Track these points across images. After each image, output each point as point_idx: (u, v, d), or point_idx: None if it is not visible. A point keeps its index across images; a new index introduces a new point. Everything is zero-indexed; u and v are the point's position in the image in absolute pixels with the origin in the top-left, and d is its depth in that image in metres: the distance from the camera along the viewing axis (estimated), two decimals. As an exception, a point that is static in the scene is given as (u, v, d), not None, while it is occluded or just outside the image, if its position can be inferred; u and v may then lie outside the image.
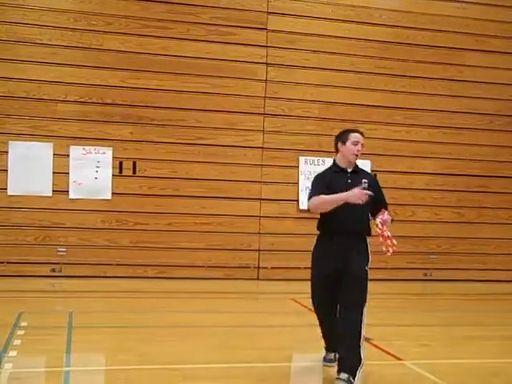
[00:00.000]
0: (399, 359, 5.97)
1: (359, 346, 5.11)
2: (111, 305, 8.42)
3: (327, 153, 11.23)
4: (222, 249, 10.87)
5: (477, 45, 12.03)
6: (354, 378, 4.97)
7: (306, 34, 11.33)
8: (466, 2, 11.99)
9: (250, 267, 10.99)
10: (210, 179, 10.85)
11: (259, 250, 11.05)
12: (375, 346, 6.41)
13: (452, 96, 11.89)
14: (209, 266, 10.78)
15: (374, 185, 5.34)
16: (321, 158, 11.30)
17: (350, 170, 5.42)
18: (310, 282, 5.66)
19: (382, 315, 8.27)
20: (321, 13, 11.39)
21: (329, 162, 11.08)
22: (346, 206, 5.08)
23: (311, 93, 11.31)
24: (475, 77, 12.00)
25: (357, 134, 5.44)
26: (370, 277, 5.39)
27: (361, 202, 4.97)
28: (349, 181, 5.28)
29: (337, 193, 5.15)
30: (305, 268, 10.88)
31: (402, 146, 11.67)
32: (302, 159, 11.26)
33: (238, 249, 10.95)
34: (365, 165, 11.28)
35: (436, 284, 11.39)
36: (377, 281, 10.77)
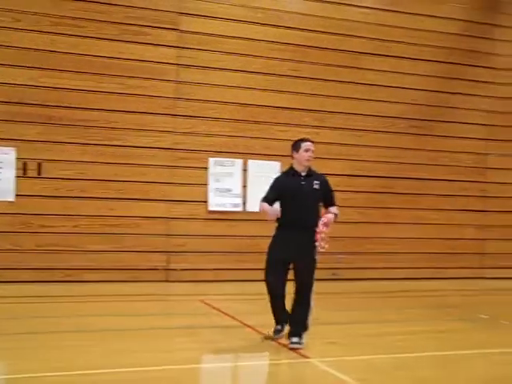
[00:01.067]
0: (306, 357, 6.06)
1: (307, 318, 6.42)
2: (15, 311, 8.15)
3: (238, 154, 11.36)
4: (130, 251, 10.74)
5: (381, 50, 12.38)
6: (301, 340, 6.31)
7: (218, 36, 11.35)
8: (371, 8, 12.34)
9: (158, 269, 10.90)
10: (119, 180, 10.69)
11: (168, 252, 10.98)
12: (282, 345, 6.48)
13: (357, 99, 12.18)
14: (117, 269, 10.61)
15: (324, 185, 6.50)
16: (230, 159, 11.35)
17: (303, 174, 6.47)
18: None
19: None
20: (233, 15, 11.44)
21: (238, 162, 11.30)
22: (298, 205, 6.28)
23: (222, 94, 11.33)
24: (379, 80, 12.35)
25: (307, 143, 6.53)
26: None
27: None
28: (302, 183, 6.41)
29: (292, 192, 6.34)
30: (214, 269, 11.12)
31: (311, 148, 11.83)
32: (211, 160, 11.26)
33: (147, 251, 10.84)
34: (274, 166, 11.48)
35: (344, 283, 11.63)
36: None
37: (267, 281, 6.55)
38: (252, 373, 5.92)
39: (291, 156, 6.59)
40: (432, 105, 12.74)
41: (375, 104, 12.32)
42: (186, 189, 11.09)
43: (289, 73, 11.77)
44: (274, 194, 6.42)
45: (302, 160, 6.47)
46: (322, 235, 6.22)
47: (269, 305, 6.63)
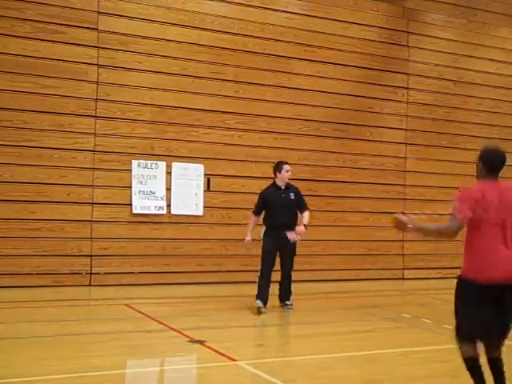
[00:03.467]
0: (233, 360, 6.03)
1: (291, 287, 9.09)
2: None
3: (160, 156, 11.23)
4: (51, 255, 10.43)
5: (305, 54, 12.51)
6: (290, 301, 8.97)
7: (138, 37, 11.17)
8: (295, 13, 12.44)
9: (81, 273, 10.64)
10: (38, 183, 10.37)
11: (91, 256, 10.73)
12: (209, 348, 6.43)
13: (281, 102, 12.27)
14: (37, 273, 10.28)
15: (297, 195, 9.00)
16: (154, 162, 11.20)
17: (283, 188, 8.98)
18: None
19: (217, 317, 8.36)
20: (154, 16, 11.30)
21: (162, 165, 11.16)
22: (279, 210, 8.78)
23: (144, 96, 11.17)
24: (303, 84, 12.47)
25: (287, 166, 9.02)
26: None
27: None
28: (282, 195, 8.92)
29: (275, 203, 8.85)
30: (138, 273, 10.94)
31: (234, 150, 11.85)
32: (134, 163, 11.08)
33: (69, 254, 10.56)
34: (198, 169, 11.44)
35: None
36: (211, 284, 11.07)
37: (263, 265, 8.78)
38: (179, 377, 5.83)
39: (274, 174, 9.05)
40: (354, 109, 12.96)
41: (299, 108, 12.42)
42: (109, 191, 10.87)
43: (212, 75, 11.72)
44: (261, 205, 9.01)
45: (284, 178, 8.97)
46: (298, 237, 8.85)
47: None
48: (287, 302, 9.00)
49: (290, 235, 8.71)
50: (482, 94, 14.37)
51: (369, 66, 13.12)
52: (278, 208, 8.79)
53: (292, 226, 8.79)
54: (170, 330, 7.35)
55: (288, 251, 8.91)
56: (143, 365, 6.09)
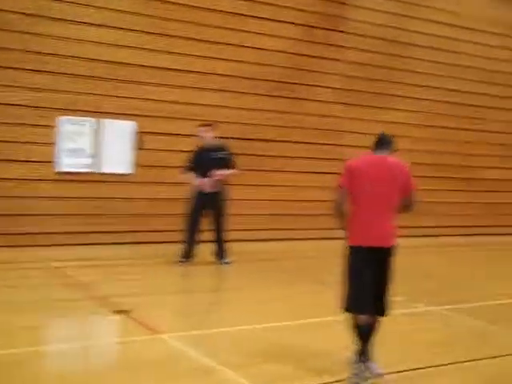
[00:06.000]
0: (157, 332, 5.85)
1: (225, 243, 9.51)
2: None
3: (89, 112, 10.75)
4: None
5: (245, 10, 12.05)
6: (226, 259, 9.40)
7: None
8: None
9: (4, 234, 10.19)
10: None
11: (14, 215, 10.21)
12: (134, 320, 6.23)
13: (214, 58, 11.80)
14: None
15: (225, 153, 9.48)
16: (81, 118, 10.74)
17: (210, 148, 9.46)
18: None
19: (145, 282, 8.18)
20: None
21: (91, 122, 10.68)
22: (203, 170, 9.30)
23: (73, 48, 10.55)
24: (237, 41, 12.03)
25: (199, 128, 9.56)
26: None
27: None
28: (209, 154, 9.42)
29: (200, 162, 9.43)
30: (66, 233, 10.48)
31: (167, 107, 11.40)
32: (61, 119, 10.54)
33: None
34: (128, 126, 11.05)
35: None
36: (140, 244, 10.79)
37: (190, 222, 9.33)
38: (102, 353, 5.62)
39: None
40: (290, 67, 12.68)
41: (233, 64, 12.01)
42: (32, 148, 10.36)
43: (145, 29, 11.18)
44: (189, 163, 9.46)
45: (202, 139, 9.56)
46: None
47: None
48: (227, 260, 9.48)
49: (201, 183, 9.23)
50: (421, 56, 14.27)
51: (305, 23, 12.80)
52: (202, 167, 9.24)
53: (217, 188, 9.32)
54: (94, 298, 7.10)
55: (212, 209, 9.38)
56: (63, 340, 5.81)
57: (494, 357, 5.73)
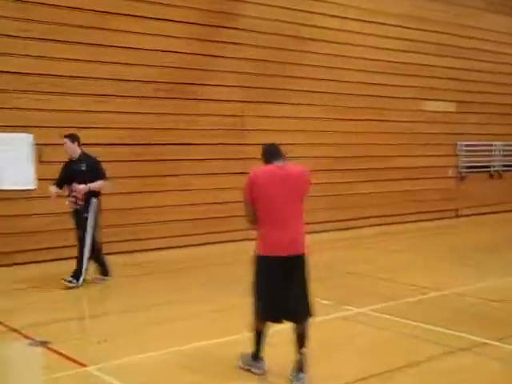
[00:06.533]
0: (83, 365, 5.56)
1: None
2: None
3: None
4: None
5: (127, 9, 11.66)
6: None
7: None
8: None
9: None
10: None
11: None
12: (55, 352, 5.92)
13: (103, 62, 11.36)
14: None
15: (89, 165, 8.85)
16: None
17: (74, 160, 8.95)
18: None
19: (55, 306, 7.82)
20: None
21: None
22: (71, 182, 8.83)
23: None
24: (128, 43, 11.65)
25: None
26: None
27: None
28: (74, 166, 8.92)
29: (66, 175, 9.03)
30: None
31: (62, 117, 10.88)
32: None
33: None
34: (25, 138, 10.47)
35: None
36: (53, 261, 10.29)
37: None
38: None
39: None
40: (186, 67, 12.40)
41: (119, 67, 11.57)
42: None
43: (19, 33, 10.46)
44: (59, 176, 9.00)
45: (66, 151, 8.98)
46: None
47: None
48: (69, 279, 8.70)
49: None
50: (316, 49, 14.35)
51: (197, 22, 12.53)
52: (68, 181, 8.85)
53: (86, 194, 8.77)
54: (10, 331, 6.68)
55: (75, 224, 8.91)
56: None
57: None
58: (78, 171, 8.75)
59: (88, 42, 11.23)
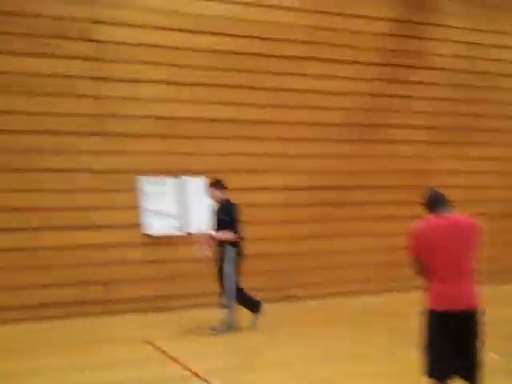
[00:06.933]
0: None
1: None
2: None
3: (171, 172, 10.45)
4: (62, 284, 9.60)
5: (311, 53, 11.61)
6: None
7: (138, 45, 10.33)
8: (296, 10, 11.51)
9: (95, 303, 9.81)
10: (42, 208, 9.57)
11: (104, 282, 9.89)
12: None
13: (291, 107, 11.40)
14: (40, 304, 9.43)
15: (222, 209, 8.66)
16: (164, 178, 10.41)
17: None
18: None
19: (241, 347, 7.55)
20: (154, 22, 10.46)
21: (173, 181, 10.32)
22: None
23: (148, 108, 10.36)
24: (314, 86, 11.57)
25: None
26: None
27: None
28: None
29: None
30: (156, 298, 9.97)
31: (251, 161, 11.04)
32: (143, 180, 10.26)
33: (81, 281, 9.73)
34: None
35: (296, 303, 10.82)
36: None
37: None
38: None
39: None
40: (368, 109, 12.10)
41: (310, 112, 11.54)
42: (117, 212, 10.05)
43: (218, 81, 10.83)
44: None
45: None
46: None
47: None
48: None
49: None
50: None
51: (381, 62, 12.25)
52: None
53: (220, 242, 8.55)
54: (194, 377, 6.40)
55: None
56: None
57: None
58: (219, 220, 8.61)
59: (270, 87, 11.29)
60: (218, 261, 8.55)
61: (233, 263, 8.44)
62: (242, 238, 8.61)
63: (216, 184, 8.71)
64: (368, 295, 11.40)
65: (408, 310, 9.77)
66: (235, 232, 8.48)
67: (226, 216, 8.50)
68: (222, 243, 8.48)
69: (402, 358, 6.91)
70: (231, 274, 8.40)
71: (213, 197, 8.71)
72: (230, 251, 8.45)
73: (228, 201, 8.67)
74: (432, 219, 4.86)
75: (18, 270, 9.39)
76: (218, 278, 8.54)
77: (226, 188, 8.71)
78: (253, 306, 8.69)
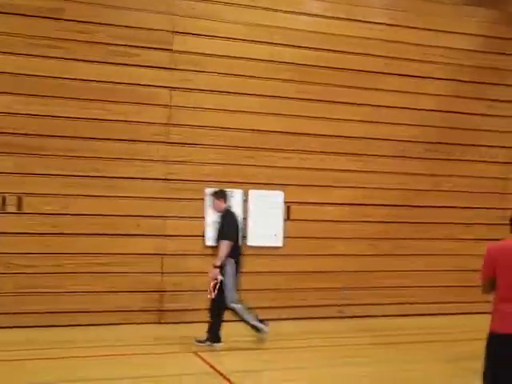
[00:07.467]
0: None
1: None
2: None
3: (237, 184, 10.50)
4: (120, 291, 9.87)
5: (392, 68, 11.46)
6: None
7: (214, 56, 10.45)
8: (382, 24, 11.38)
9: (152, 310, 10.04)
10: (106, 215, 9.83)
11: (162, 291, 10.10)
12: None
13: (365, 121, 11.26)
14: (105, 311, 9.75)
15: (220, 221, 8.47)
16: (229, 190, 10.44)
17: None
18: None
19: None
20: (232, 33, 10.53)
21: (238, 193, 10.43)
22: None
23: (219, 119, 10.44)
24: (389, 101, 11.42)
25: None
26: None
27: None
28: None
29: None
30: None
31: (316, 175, 10.96)
32: (208, 191, 10.35)
33: (139, 290, 9.97)
34: (277, 196, 10.65)
35: (350, 321, 10.73)
36: (287, 320, 10.19)
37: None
38: None
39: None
40: (447, 127, 11.78)
41: (385, 127, 11.39)
42: (181, 222, 10.21)
43: (291, 95, 10.83)
44: None
45: None
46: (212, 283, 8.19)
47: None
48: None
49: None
50: None
51: (463, 79, 11.89)
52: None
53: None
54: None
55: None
56: None
57: None
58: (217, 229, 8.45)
59: (352, 101, 11.21)
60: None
61: (231, 276, 8.27)
62: (239, 250, 8.48)
63: (219, 194, 8.58)
64: (430, 317, 11.18)
65: (471, 335, 9.72)
66: (231, 241, 8.26)
67: (227, 226, 8.35)
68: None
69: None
70: (230, 287, 8.24)
71: (215, 207, 8.55)
72: (228, 264, 8.27)
73: (228, 211, 8.55)
74: (506, 240, 4.69)
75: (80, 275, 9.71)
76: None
77: (227, 199, 8.62)
78: (215, 330, 8.40)
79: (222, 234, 8.29)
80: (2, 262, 9.35)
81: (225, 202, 8.57)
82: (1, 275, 9.36)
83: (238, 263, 8.44)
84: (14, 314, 9.32)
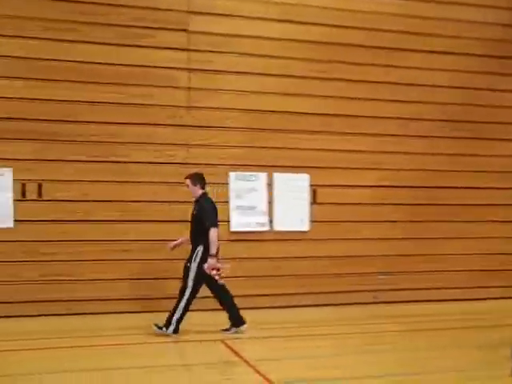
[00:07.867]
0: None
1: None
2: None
3: (260, 167, 10.20)
4: (142, 278, 9.63)
5: (410, 44, 11.02)
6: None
7: (233, 36, 10.19)
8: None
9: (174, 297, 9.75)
10: (127, 201, 9.61)
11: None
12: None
13: (393, 101, 10.89)
14: (127, 299, 9.51)
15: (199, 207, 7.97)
16: (253, 173, 10.18)
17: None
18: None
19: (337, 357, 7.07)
20: (248, 11, 10.24)
21: (262, 177, 10.13)
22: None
23: (240, 101, 10.16)
24: (418, 79, 11.03)
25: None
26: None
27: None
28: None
29: None
30: (238, 296, 9.82)
31: (342, 157, 10.60)
32: (231, 175, 10.10)
33: (162, 277, 9.71)
34: (303, 179, 10.31)
35: (385, 307, 10.35)
36: (321, 306, 9.86)
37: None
38: None
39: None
40: (477, 104, 11.36)
41: (413, 106, 10.98)
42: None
43: (313, 74, 10.52)
44: None
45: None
46: (213, 272, 7.82)
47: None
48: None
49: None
50: None
51: (495, 54, 11.45)
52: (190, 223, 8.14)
53: (193, 245, 7.95)
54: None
55: (185, 270, 8.10)
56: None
57: None
58: (192, 215, 8.02)
59: (376, 80, 10.84)
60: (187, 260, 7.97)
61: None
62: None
63: (195, 179, 8.04)
64: (459, 302, 10.76)
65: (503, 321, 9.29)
66: (217, 227, 7.83)
67: (203, 213, 7.85)
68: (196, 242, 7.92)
69: (496, 374, 6.19)
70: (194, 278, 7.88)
71: (192, 192, 8.05)
72: (200, 251, 7.87)
73: (205, 195, 8.06)
74: None
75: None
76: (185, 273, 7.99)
77: (205, 183, 8.10)
78: (233, 313, 8.15)
79: (206, 222, 7.76)
80: (24, 251, 9.17)
81: (201, 187, 8.04)
82: (23, 263, 9.17)
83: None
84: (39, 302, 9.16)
